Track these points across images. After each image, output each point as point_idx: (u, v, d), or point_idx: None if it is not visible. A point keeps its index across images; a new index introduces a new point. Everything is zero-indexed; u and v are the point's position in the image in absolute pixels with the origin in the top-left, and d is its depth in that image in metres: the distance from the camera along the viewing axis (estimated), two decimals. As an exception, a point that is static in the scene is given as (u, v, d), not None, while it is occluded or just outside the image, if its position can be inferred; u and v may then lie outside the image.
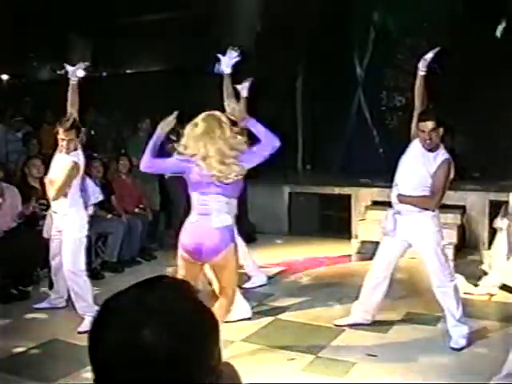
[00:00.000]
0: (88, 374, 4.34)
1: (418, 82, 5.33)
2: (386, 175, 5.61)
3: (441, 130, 5.03)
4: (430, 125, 4.98)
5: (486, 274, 6.63)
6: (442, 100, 9.45)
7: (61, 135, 5.65)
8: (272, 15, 10.17)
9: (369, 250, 7.05)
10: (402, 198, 5.17)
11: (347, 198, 9.45)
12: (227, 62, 5.91)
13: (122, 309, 1.13)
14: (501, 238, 6.35)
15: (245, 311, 5.80)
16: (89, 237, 6.12)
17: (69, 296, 5.94)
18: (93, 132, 9.71)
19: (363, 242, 8.33)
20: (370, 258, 5.76)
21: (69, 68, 5.94)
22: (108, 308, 1.15)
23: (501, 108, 9.62)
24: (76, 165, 5.68)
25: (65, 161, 5.68)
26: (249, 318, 5.80)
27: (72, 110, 5.80)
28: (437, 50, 5.32)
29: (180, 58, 11.35)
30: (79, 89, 5.87)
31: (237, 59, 5.90)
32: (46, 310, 6.17)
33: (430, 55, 5.32)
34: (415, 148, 5.16)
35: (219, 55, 5.95)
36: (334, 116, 11.05)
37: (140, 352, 1.08)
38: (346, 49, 11.02)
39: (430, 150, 5.04)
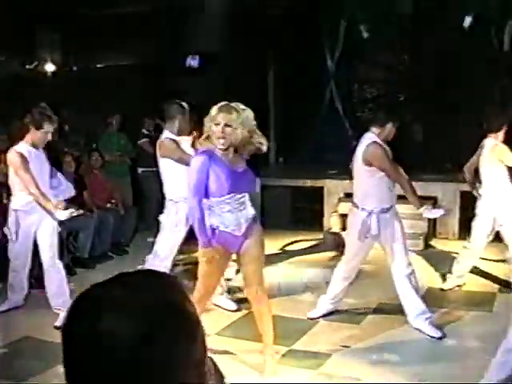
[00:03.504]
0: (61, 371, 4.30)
1: None
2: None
3: None
4: None
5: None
6: (415, 92, 9.58)
7: None
8: (242, 9, 10.14)
9: (341, 242, 7.06)
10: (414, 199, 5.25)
11: (320, 191, 9.49)
12: None
13: (118, 301, 1.04)
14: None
15: (230, 303, 5.87)
16: (60, 233, 6.05)
17: (27, 293, 5.96)
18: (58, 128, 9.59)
19: (335, 234, 8.38)
20: (342, 249, 5.79)
21: None
22: (98, 298, 1.05)
23: (473, 101, 9.69)
24: (22, 157, 5.38)
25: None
26: (235, 310, 5.84)
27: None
28: None
29: (151, 53, 11.26)
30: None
31: None
32: (18, 309, 6.06)
33: None
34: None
35: None
36: (307, 109, 11.05)
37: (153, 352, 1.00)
38: (317, 42, 11.02)
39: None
